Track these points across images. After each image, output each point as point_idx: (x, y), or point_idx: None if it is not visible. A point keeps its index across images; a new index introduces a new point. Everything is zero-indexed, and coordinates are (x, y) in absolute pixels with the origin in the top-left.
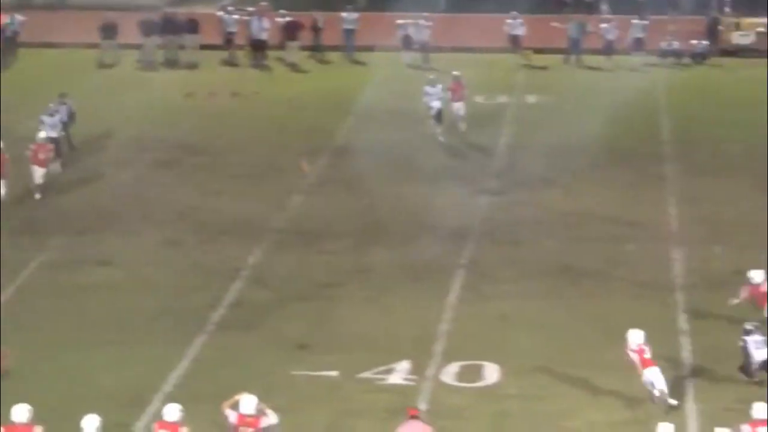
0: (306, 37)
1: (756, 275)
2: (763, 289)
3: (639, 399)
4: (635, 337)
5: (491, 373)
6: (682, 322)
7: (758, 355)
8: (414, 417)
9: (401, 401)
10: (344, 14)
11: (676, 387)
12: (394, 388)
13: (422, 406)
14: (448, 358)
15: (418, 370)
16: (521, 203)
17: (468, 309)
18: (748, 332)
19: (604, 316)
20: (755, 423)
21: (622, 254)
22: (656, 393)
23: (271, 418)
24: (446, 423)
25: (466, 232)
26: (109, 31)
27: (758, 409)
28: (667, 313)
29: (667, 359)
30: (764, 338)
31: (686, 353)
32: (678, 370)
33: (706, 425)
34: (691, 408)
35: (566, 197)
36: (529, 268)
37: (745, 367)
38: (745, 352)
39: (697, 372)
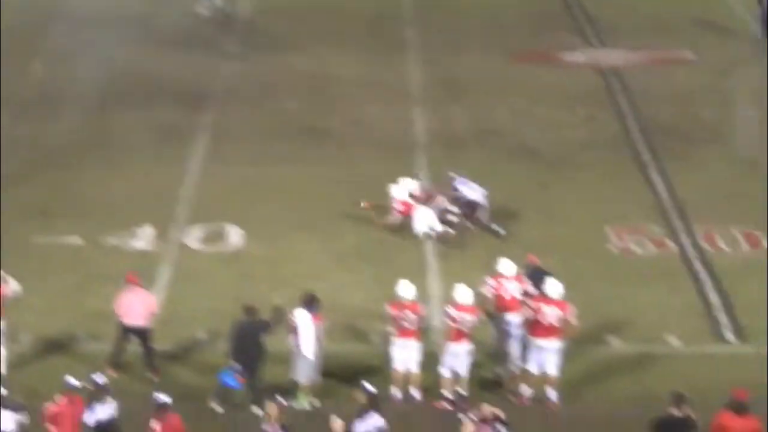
0: None
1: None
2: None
3: (387, 258)
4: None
5: (235, 236)
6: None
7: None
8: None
9: (145, 265)
10: None
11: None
12: (138, 252)
13: (166, 269)
14: (191, 221)
15: (161, 234)
16: (264, 66)
17: (211, 172)
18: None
19: (347, 178)
20: (499, 276)
21: (364, 116)
22: (432, 233)
23: (12, 286)
24: (190, 286)
25: (208, 96)
26: None
27: (504, 265)
28: (409, 173)
29: None
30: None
31: None
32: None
33: (449, 281)
34: (432, 263)
35: (309, 60)
36: (271, 131)
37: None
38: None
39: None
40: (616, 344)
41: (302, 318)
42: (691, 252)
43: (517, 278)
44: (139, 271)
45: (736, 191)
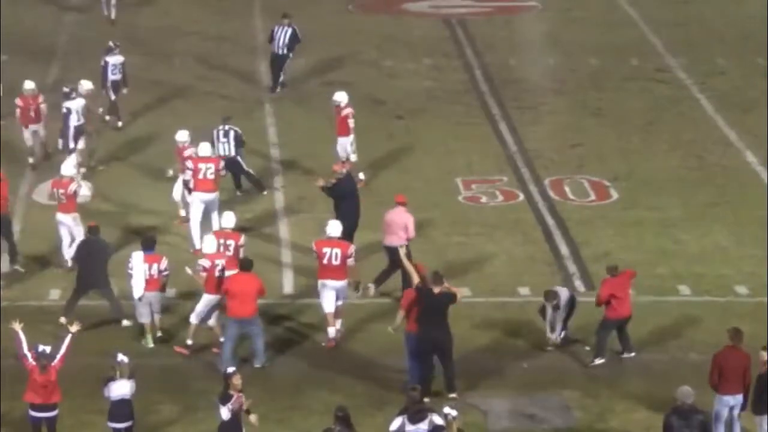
0: None
1: (180, 135)
2: (185, 149)
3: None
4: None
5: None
6: (272, 135)
7: None
8: (401, 204)
9: None
10: None
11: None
12: None
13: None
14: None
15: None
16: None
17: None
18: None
19: (197, 129)
20: (323, 244)
21: (210, 69)
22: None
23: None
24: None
25: (52, 50)
26: None
27: (332, 226)
28: (259, 126)
29: (261, 156)
30: None
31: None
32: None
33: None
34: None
35: (154, 13)
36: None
37: None
38: None
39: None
40: (466, 294)
41: (136, 259)
42: (540, 202)
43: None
44: None
45: (583, 141)
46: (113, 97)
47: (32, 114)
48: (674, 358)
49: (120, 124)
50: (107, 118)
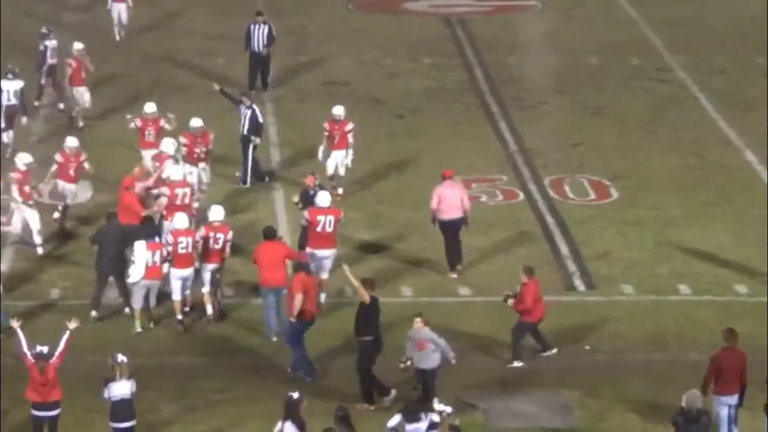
0: None
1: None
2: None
3: None
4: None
5: None
6: (273, 134)
7: None
8: (448, 177)
9: None
10: None
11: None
12: None
13: None
14: None
15: None
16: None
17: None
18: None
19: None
20: (316, 212)
21: (213, 67)
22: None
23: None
24: None
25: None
26: None
27: (322, 197)
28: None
29: (262, 155)
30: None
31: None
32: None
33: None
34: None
35: (156, 12)
36: (122, 88)
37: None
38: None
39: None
40: (465, 293)
41: (139, 247)
42: (540, 201)
43: None
44: None
45: (583, 140)
46: (43, 81)
47: None
48: (674, 358)
49: (62, 106)
50: (36, 103)
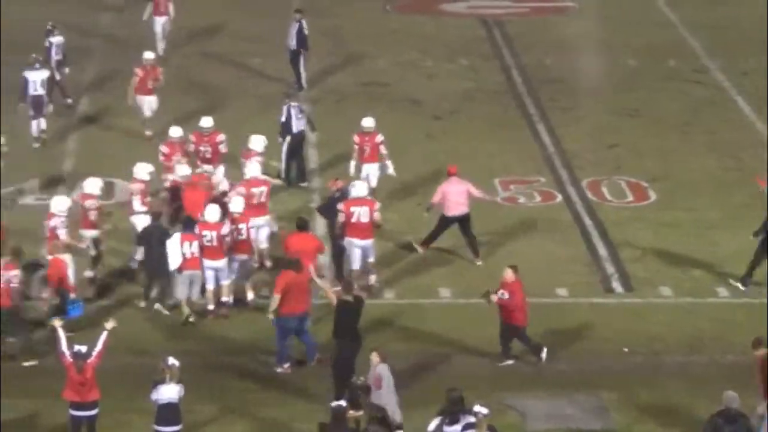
0: None
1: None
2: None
3: None
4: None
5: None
6: (310, 135)
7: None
8: (454, 174)
9: None
10: None
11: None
12: None
13: None
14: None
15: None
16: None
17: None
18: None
19: (231, 129)
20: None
21: (249, 68)
22: None
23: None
24: None
25: (90, 50)
26: None
27: (358, 187)
28: None
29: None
30: None
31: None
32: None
33: None
34: None
35: (192, 12)
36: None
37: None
38: None
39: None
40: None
41: (173, 238)
42: (578, 203)
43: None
44: None
45: (620, 142)
46: (58, 77)
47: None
48: (712, 360)
49: (69, 101)
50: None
